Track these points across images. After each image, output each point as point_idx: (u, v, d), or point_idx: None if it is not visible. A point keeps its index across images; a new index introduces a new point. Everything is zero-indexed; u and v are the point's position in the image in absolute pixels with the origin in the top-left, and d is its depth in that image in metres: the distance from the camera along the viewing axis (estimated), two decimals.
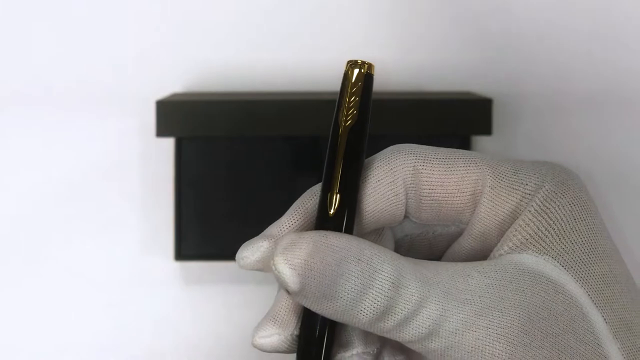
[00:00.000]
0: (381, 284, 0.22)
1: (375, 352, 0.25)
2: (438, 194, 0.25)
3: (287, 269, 0.22)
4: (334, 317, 0.23)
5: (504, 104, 0.44)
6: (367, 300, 0.22)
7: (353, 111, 0.25)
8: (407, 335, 0.22)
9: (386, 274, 0.22)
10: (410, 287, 0.22)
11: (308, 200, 0.25)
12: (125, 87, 0.44)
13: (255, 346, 0.25)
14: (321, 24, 0.44)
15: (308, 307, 0.23)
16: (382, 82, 0.45)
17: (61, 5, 0.44)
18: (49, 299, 0.44)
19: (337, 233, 0.23)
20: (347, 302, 0.22)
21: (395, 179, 0.25)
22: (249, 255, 0.25)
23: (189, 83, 0.45)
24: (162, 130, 0.40)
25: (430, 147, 0.26)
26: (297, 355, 0.24)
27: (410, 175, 0.25)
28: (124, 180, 0.44)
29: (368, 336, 0.25)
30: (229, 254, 0.41)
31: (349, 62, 0.25)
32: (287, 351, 0.25)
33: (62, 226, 0.44)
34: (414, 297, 0.22)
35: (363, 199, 0.25)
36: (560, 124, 0.44)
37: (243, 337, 0.43)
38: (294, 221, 0.25)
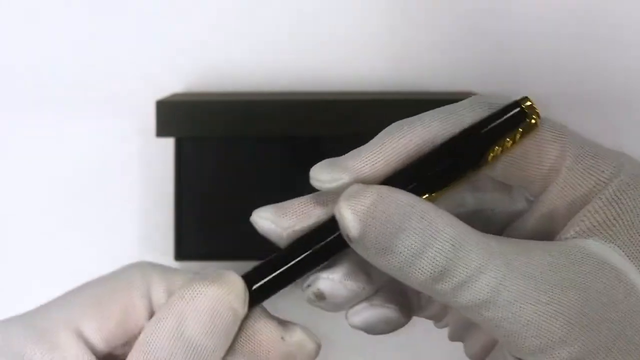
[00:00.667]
0: (441, 244, 0.22)
1: (357, 290, 0.25)
2: (518, 161, 0.25)
3: (349, 214, 0.22)
4: (391, 273, 0.23)
5: None
6: (425, 258, 0.22)
7: (500, 153, 0.24)
8: (463, 299, 0.22)
9: (447, 236, 0.22)
10: (471, 251, 0.22)
11: (396, 141, 0.25)
12: (125, 87, 0.44)
13: (251, 219, 0.26)
14: (321, 24, 0.44)
15: (367, 259, 0.23)
16: (383, 82, 0.45)
17: (61, 5, 0.44)
18: (49, 299, 0.44)
19: (403, 190, 0.23)
20: (406, 258, 0.22)
21: None
22: (326, 181, 0.24)
23: (189, 83, 0.45)
24: (162, 130, 0.40)
25: None
26: (285, 249, 0.25)
27: None
28: (124, 180, 0.44)
29: (353, 271, 0.25)
30: (229, 254, 0.41)
31: (528, 104, 0.25)
32: (274, 241, 0.25)
33: (62, 226, 0.44)
34: (474, 262, 0.22)
35: None
36: None
37: None
38: (377, 158, 0.24)
